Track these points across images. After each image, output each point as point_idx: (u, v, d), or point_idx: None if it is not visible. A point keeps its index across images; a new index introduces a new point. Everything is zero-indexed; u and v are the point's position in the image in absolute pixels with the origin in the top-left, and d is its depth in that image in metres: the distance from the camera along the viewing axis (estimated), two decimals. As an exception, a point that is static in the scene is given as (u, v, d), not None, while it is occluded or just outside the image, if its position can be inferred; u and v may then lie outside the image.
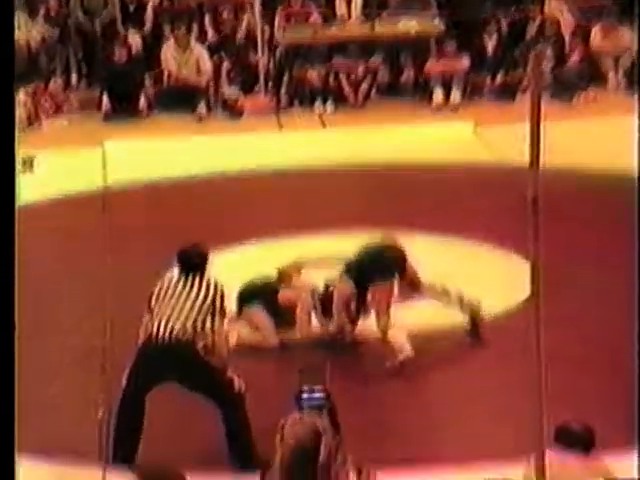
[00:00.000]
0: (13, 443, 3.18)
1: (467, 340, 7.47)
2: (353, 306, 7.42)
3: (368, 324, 7.41)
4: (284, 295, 7.58)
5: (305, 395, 5.12)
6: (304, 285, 7.63)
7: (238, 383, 6.08)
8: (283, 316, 7.62)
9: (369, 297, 7.32)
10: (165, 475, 4.69)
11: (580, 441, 5.07)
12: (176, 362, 6.06)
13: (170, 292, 6.25)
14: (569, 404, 6.09)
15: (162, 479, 4.70)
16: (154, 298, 6.27)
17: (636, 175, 10.10)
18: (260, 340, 7.51)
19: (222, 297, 6.24)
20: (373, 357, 7.28)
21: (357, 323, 7.49)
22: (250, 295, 7.60)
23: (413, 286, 7.51)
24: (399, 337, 7.17)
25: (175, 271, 6.51)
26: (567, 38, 13.11)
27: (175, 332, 6.09)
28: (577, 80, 12.65)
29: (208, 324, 6.15)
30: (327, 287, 7.52)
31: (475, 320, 7.54)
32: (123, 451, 6.17)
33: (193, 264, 6.36)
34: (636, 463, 4.85)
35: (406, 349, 7.12)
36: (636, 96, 12.40)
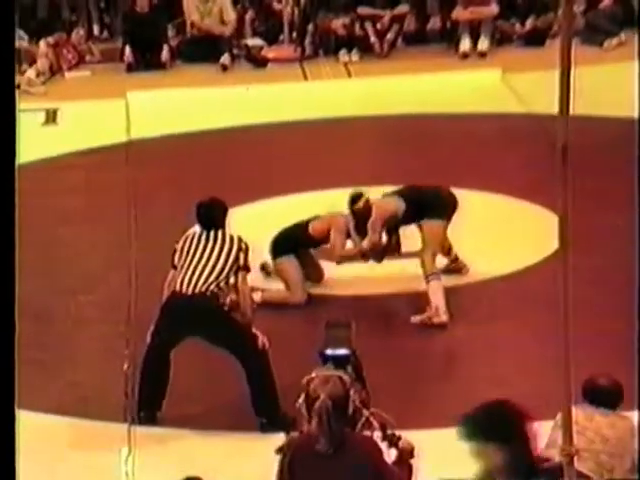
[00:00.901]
0: (13, 399, 3.16)
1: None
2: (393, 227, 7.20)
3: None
4: (315, 225, 7.38)
5: (329, 351, 5.08)
6: (337, 213, 7.42)
7: (262, 340, 6.05)
8: (311, 265, 7.48)
9: (421, 230, 7.16)
10: None
11: (607, 397, 5.01)
12: (200, 317, 6.05)
13: (193, 248, 6.22)
14: (597, 357, 6.02)
15: None
16: (177, 254, 6.25)
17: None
18: (287, 296, 7.44)
19: (246, 253, 6.19)
20: (403, 311, 7.22)
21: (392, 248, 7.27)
22: (283, 245, 7.47)
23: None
24: (438, 296, 7.05)
25: (197, 227, 6.47)
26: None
27: (199, 287, 6.07)
28: (609, 24, 12.40)
29: (232, 280, 6.12)
30: (367, 202, 7.26)
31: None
32: (148, 407, 6.17)
33: (212, 218, 6.33)
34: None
35: (442, 314, 7.02)
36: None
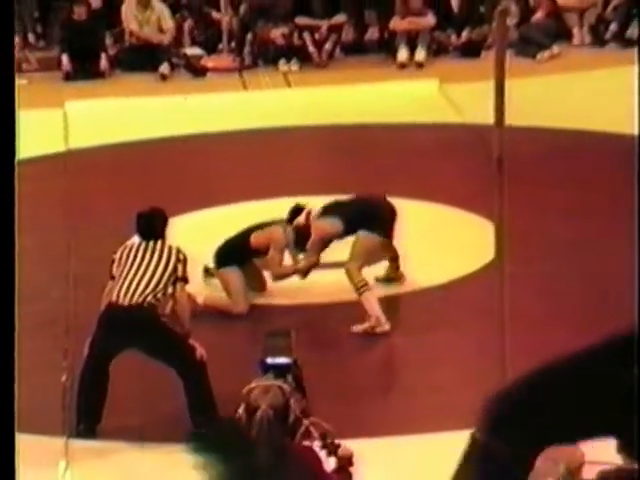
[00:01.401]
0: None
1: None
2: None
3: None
4: (256, 237, 7.41)
5: (269, 360, 5.09)
6: (277, 226, 7.45)
7: (199, 351, 6.03)
8: (254, 275, 7.52)
9: (353, 242, 7.21)
10: None
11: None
12: (137, 329, 6.02)
13: (131, 258, 6.19)
14: (534, 365, 6.10)
15: None
16: (115, 264, 6.21)
17: (602, 130, 10.11)
18: (229, 305, 7.44)
19: (184, 264, 6.18)
20: (343, 321, 7.24)
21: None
22: (226, 255, 7.47)
23: (390, 250, 7.47)
24: (374, 306, 7.10)
25: (136, 237, 6.44)
26: (532, -6, 13.07)
27: (136, 299, 6.04)
28: (541, 37, 12.60)
29: (170, 291, 6.10)
30: (307, 218, 7.34)
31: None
32: (87, 419, 6.12)
33: (152, 228, 6.30)
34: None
35: (383, 323, 7.06)
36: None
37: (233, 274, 7.41)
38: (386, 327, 7.04)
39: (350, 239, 7.27)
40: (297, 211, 7.46)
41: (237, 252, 7.45)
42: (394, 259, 7.63)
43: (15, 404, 3.18)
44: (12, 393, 3.23)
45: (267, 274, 7.60)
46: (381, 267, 7.61)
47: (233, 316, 7.34)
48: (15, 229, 2.99)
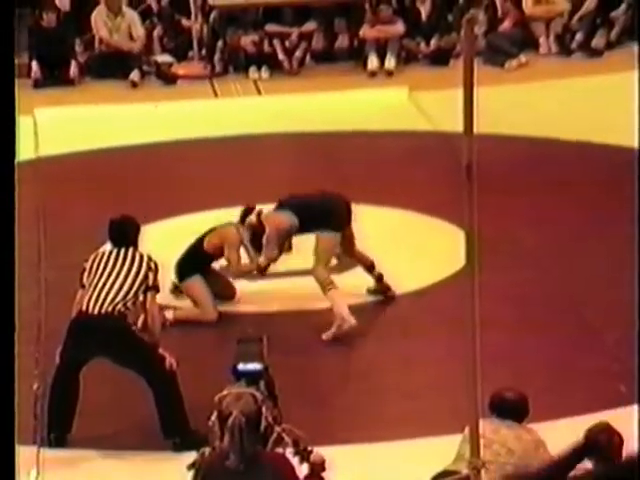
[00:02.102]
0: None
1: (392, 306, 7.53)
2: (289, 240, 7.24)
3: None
4: (209, 240, 7.37)
5: (241, 366, 5.11)
6: (229, 227, 7.40)
7: (169, 360, 6.03)
8: (219, 282, 7.51)
9: (315, 244, 7.21)
10: None
11: (513, 410, 5.13)
12: (106, 337, 6.00)
13: (102, 267, 6.18)
14: (504, 372, 6.15)
15: None
16: (86, 273, 6.21)
17: (570, 139, 10.22)
18: (199, 314, 7.45)
19: (155, 272, 6.18)
20: (312, 327, 7.28)
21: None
22: (185, 266, 7.52)
23: (349, 246, 7.49)
24: (340, 303, 7.15)
25: (108, 245, 6.44)
26: (499, 3, 13.16)
27: (105, 307, 6.03)
28: (509, 45, 12.72)
29: (140, 299, 6.09)
30: (258, 216, 7.31)
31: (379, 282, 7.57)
32: (58, 428, 6.11)
33: (124, 236, 6.30)
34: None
35: (348, 318, 7.10)
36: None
37: (196, 283, 7.42)
38: (352, 321, 7.08)
39: (310, 237, 7.27)
40: (247, 212, 7.44)
41: (195, 260, 7.45)
42: (370, 268, 7.63)
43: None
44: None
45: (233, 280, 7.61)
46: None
47: (204, 324, 7.35)
48: (15, 233, 3.00)
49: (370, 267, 7.62)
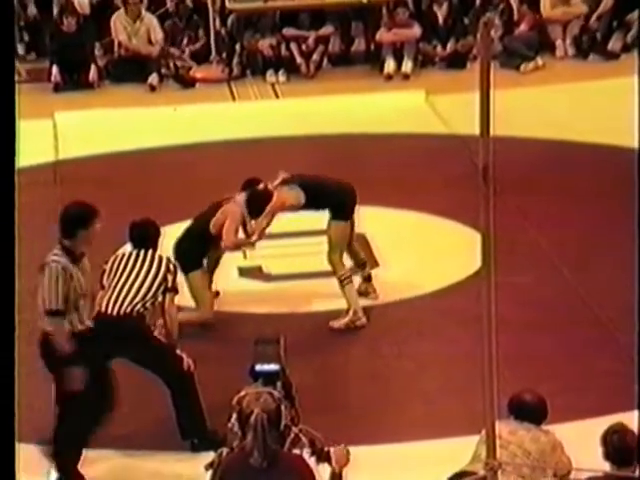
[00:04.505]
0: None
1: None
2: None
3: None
4: (215, 222, 7.22)
5: (258, 367, 5.15)
6: (231, 203, 7.28)
7: (187, 361, 6.06)
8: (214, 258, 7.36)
9: (328, 232, 7.18)
10: None
11: (532, 413, 5.15)
12: (124, 338, 6.04)
13: (121, 268, 6.23)
14: (520, 374, 6.18)
15: None
16: (106, 274, 6.26)
17: (586, 141, 10.22)
18: (196, 316, 7.29)
19: (174, 274, 6.22)
20: (326, 328, 7.31)
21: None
22: (193, 254, 7.20)
23: (349, 239, 7.49)
24: (355, 299, 7.17)
25: (128, 247, 6.50)
26: (515, 6, 13.18)
27: (124, 308, 6.07)
28: (525, 49, 12.74)
29: (159, 301, 6.14)
30: (265, 187, 7.22)
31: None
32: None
33: (144, 238, 6.35)
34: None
35: (362, 316, 7.14)
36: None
37: (200, 278, 7.25)
38: (363, 320, 7.12)
39: (314, 239, 7.24)
40: (251, 182, 7.36)
41: (201, 247, 7.26)
42: (362, 266, 7.59)
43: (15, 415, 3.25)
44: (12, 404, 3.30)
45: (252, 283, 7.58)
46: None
47: (201, 324, 7.24)
48: (15, 238, 3.07)
49: (362, 265, 7.61)
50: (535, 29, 12.99)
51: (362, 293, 7.56)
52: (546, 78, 12.19)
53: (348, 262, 7.52)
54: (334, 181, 7.43)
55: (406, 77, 12.55)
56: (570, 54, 13.00)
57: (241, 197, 7.35)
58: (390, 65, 12.60)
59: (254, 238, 7.29)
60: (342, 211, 7.23)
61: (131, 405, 6.47)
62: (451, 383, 6.63)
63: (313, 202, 7.23)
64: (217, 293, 7.63)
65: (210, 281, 7.51)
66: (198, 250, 7.33)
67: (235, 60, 12.80)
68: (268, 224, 7.26)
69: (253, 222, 7.30)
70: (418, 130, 10.81)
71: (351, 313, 7.14)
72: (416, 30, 12.77)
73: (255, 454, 4.30)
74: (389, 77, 12.56)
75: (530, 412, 5.14)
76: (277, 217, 7.39)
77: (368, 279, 7.65)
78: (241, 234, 7.37)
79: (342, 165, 10.09)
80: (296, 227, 8.18)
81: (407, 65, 12.60)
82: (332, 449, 4.78)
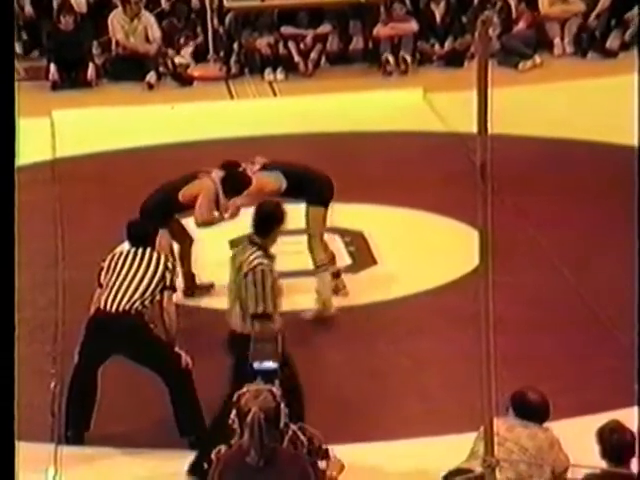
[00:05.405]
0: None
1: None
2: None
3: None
4: (186, 192, 7.22)
5: (256, 364, 5.15)
6: (206, 178, 7.24)
7: (185, 358, 6.07)
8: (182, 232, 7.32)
9: (307, 218, 7.18)
10: None
11: (535, 413, 5.13)
12: (123, 335, 6.05)
13: (120, 266, 6.23)
14: (518, 372, 6.18)
15: None
16: (104, 272, 6.26)
17: (584, 139, 10.22)
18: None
19: (173, 272, 6.23)
20: (324, 326, 7.31)
21: None
22: (157, 216, 7.08)
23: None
24: (327, 288, 7.16)
25: (126, 244, 6.50)
26: (513, 4, 13.18)
27: (123, 306, 6.08)
28: (523, 47, 12.74)
29: (157, 298, 6.14)
30: (244, 172, 7.17)
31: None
32: (75, 426, 6.17)
33: (142, 236, 6.36)
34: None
35: (330, 307, 7.13)
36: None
37: (163, 239, 7.13)
38: (331, 311, 7.12)
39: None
40: (230, 165, 7.32)
41: (166, 210, 7.24)
42: (331, 260, 7.50)
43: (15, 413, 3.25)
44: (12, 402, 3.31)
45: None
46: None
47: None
48: (15, 237, 3.07)
49: (330, 260, 7.56)
50: (533, 27, 12.99)
51: (332, 290, 7.51)
52: (544, 76, 12.19)
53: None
54: (313, 170, 7.42)
55: (405, 71, 12.54)
56: (568, 52, 13.00)
57: (217, 174, 7.31)
58: (388, 60, 12.59)
59: (226, 216, 7.25)
60: (321, 198, 7.22)
61: (130, 403, 6.47)
62: (448, 381, 6.64)
63: (294, 189, 7.20)
64: (211, 285, 7.64)
65: (190, 269, 7.46)
66: (163, 210, 7.25)
67: (233, 58, 12.80)
68: (243, 205, 7.18)
69: (228, 202, 7.23)
70: (416, 128, 10.81)
71: (320, 303, 7.14)
72: (413, 24, 12.78)
73: (252, 453, 4.31)
74: (388, 73, 12.56)
75: (533, 411, 5.13)
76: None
77: (337, 275, 7.60)
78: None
79: (340, 163, 10.09)
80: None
81: (405, 60, 12.59)
82: (328, 461, 4.77)
